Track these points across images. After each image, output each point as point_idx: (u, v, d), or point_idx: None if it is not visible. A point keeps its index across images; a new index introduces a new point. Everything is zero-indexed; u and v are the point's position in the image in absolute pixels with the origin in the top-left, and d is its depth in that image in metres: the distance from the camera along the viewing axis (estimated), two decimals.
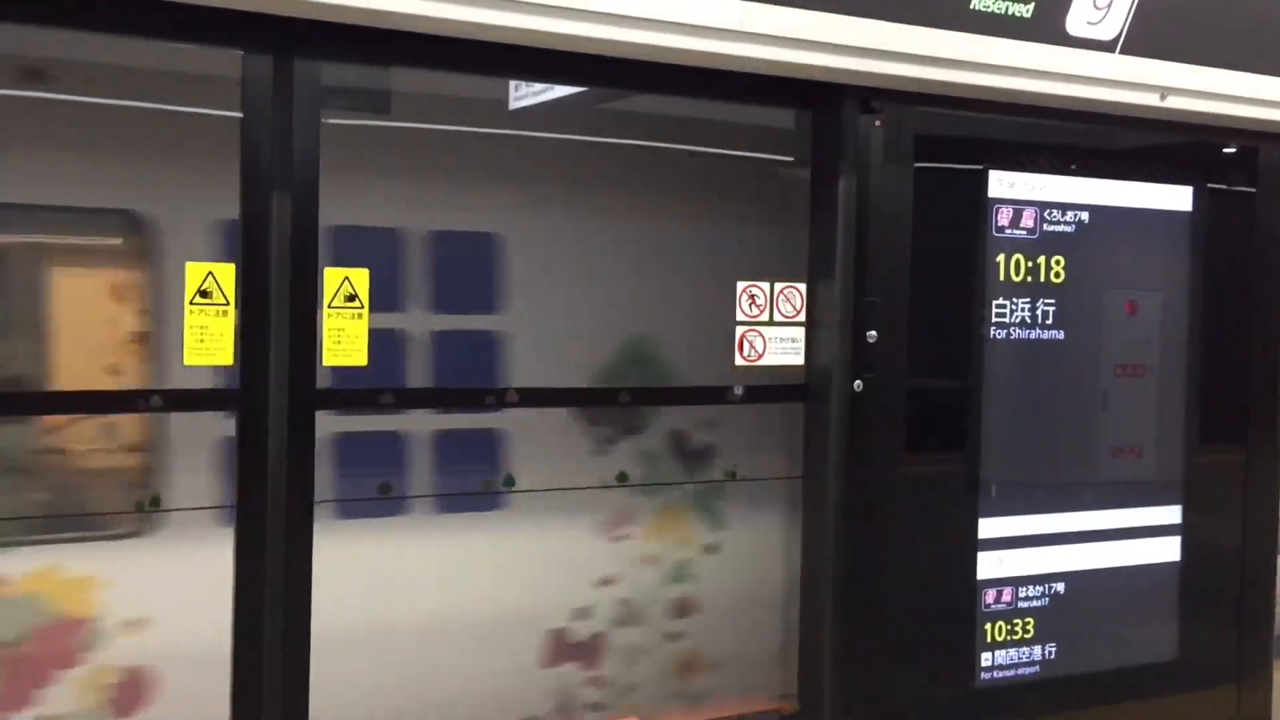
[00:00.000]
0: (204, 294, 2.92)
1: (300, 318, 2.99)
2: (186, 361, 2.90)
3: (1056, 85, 3.74)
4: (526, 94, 4.15)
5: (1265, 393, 4.51)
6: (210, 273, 2.92)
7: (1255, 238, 4.47)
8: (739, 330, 3.64)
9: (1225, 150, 4.38)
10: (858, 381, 3.65)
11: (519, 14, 3.02)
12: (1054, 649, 4.08)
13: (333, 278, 3.06)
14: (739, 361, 3.64)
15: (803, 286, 3.71)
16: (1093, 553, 4.15)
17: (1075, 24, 3.70)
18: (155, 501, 3.12)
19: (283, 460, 2.97)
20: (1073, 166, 4.09)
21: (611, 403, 3.52)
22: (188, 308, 2.89)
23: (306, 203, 2.99)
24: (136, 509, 3.13)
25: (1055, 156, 4.07)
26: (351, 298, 3.08)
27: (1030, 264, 3.99)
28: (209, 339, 2.92)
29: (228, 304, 2.93)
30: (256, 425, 2.96)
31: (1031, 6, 3.59)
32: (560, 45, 3.17)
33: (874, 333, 3.66)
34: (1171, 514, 4.32)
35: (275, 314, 2.96)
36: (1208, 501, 4.37)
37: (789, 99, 3.65)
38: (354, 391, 3.14)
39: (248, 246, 2.95)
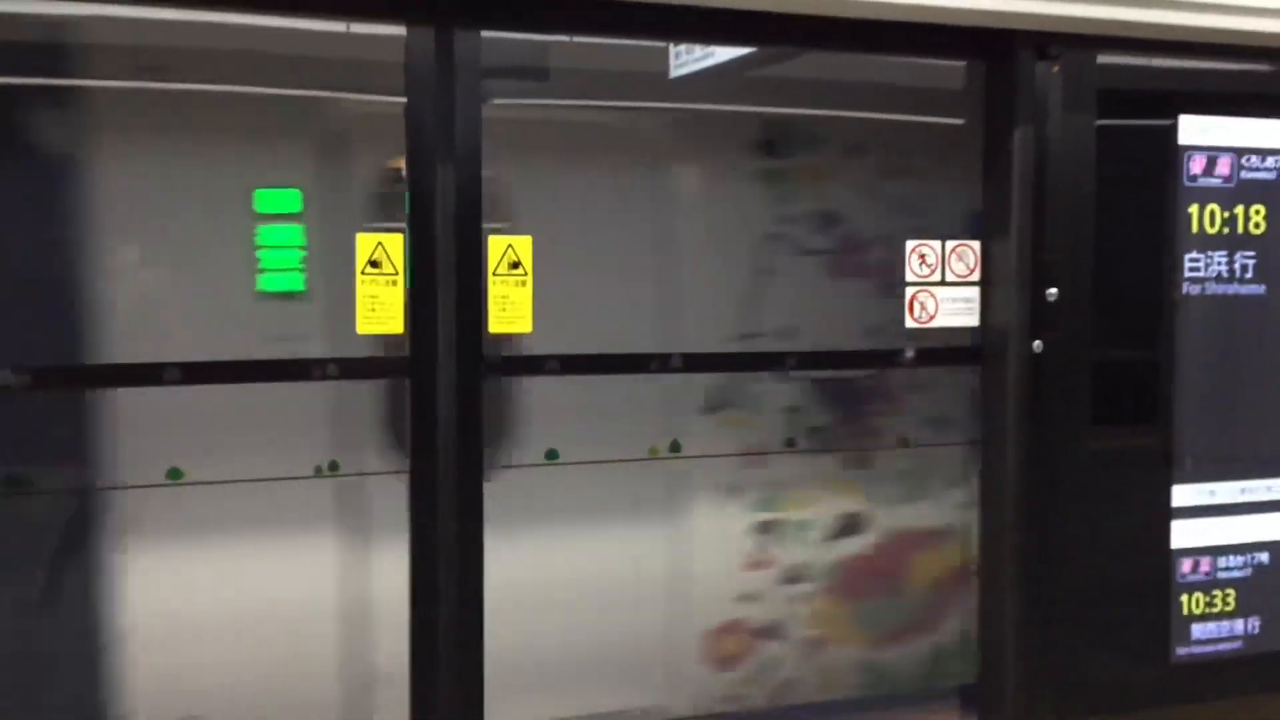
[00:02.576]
0: (374, 264, 2.99)
1: (466, 286, 3.03)
2: (359, 330, 2.98)
3: (1254, 21, 3.48)
4: (687, 60, 4.11)
5: None
6: (380, 243, 2.99)
7: None
8: (909, 291, 3.52)
9: None
10: (1037, 342, 3.49)
11: None
12: (1258, 623, 3.83)
13: (496, 245, 3.09)
14: (909, 323, 3.53)
15: (976, 244, 3.57)
16: None
17: None
18: None
19: (453, 425, 3.02)
20: (1272, 108, 3.80)
21: (780, 367, 3.46)
22: (359, 277, 2.97)
23: (470, 171, 3.03)
24: None
25: (1253, 98, 3.80)
26: (515, 265, 3.11)
27: (1227, 214, 3.74)
28: (380, 308, 2.99)
29: (396, 273, 3.00)
30: (427, 392, 3.02)
31: None
32: (724, 3, 3.11)
33: (1054, 290, 3.49)
34: None
35: (442, 282, 3.01)
36: None
37: (960, 49, 3.51)
38: (520, 358, 3.17)
39: (414, 216, 3.01)
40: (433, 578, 3.04)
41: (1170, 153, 3.68)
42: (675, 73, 4.07)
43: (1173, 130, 3.67)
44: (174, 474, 3.04)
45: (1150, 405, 3.77)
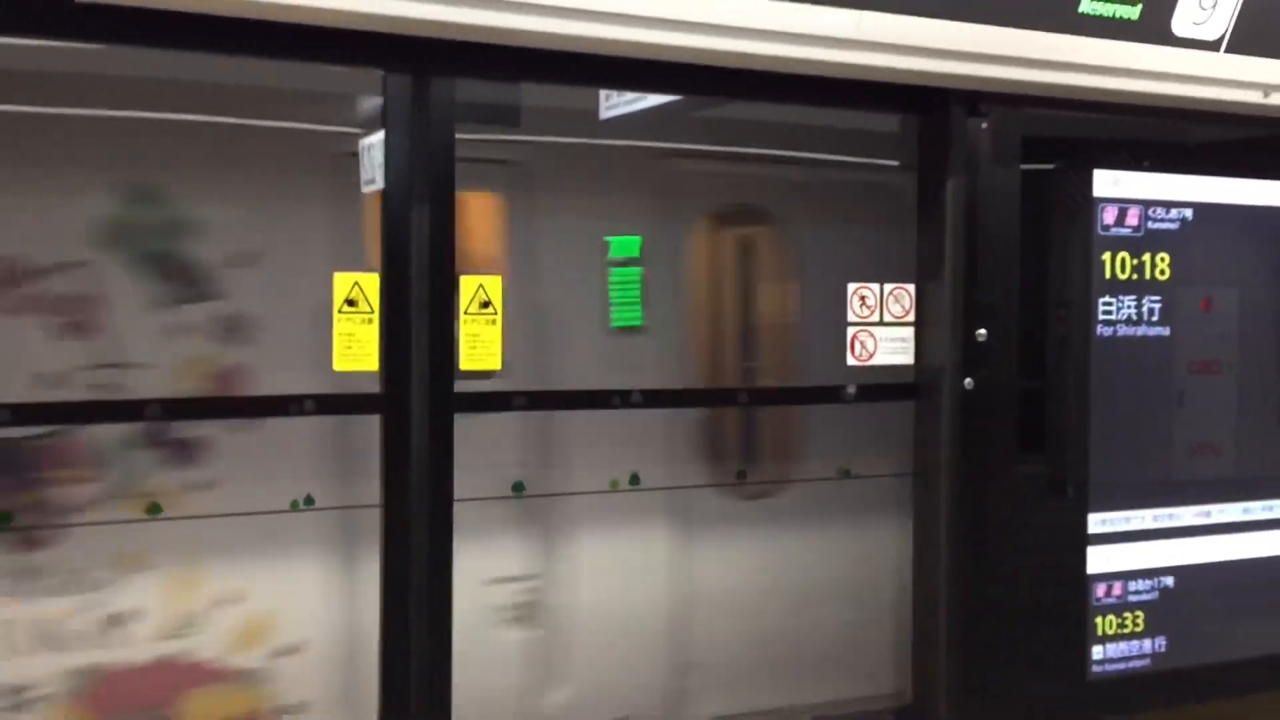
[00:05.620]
0: (350, 303, 3.06)
1: (439, 324, 3.13)
2: (335, 367, 3.05)
3: (1162, 85, 3.78)
4: (618, 103, 4.28)
5: None
6: (356, 282, 3.07)
7: None
8: (850, 331, 3.72)
9: None
10: (968, 380, 3.72)
11: (641, 29, 3.13)
12: (1164, 642, 4.12)
13: (468, 285, 3.19)
14: (851, 361, 3.73)
15: (911, 287, 3.79)
16: (1202, 547, 4.19)
17: (1181, 24, 3.74)
18: None
19: (425, 460, 3.11)
20: (1175, 164, 4.13)
21: (731, 402, 3.62)
22: (336, 316, 3.04)
23: (443, 213, 3.13)
24: None
25: (1158, 155, 4.12)
26: (485, 304, 3.21)
27: (1135, 261, 4.04)
28: (355, 345, 3.07)
29: (372, 312, 3.08)
30: (399, 427, 3.10)
31: (1139, 8, 3.64)
32: (679, 58, 3.27)
33: (983, 331, 3.73)
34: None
35: (415, 321, 3.10)
36: None
37: (897, 104, 3.74)
38: (490, 395, 3.27)
39: (389, 257, 3.10)
40: (404, 607, 3.11)
41: (1085, 203, 3.97)
42: (605, 114, 4.23)
43: (1088, 183, 3.97)
44: None
45: (1067, 438, 4.03)
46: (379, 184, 3.20)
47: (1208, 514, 4.20)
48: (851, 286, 3.72)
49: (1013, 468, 3.79)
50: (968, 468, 3.73)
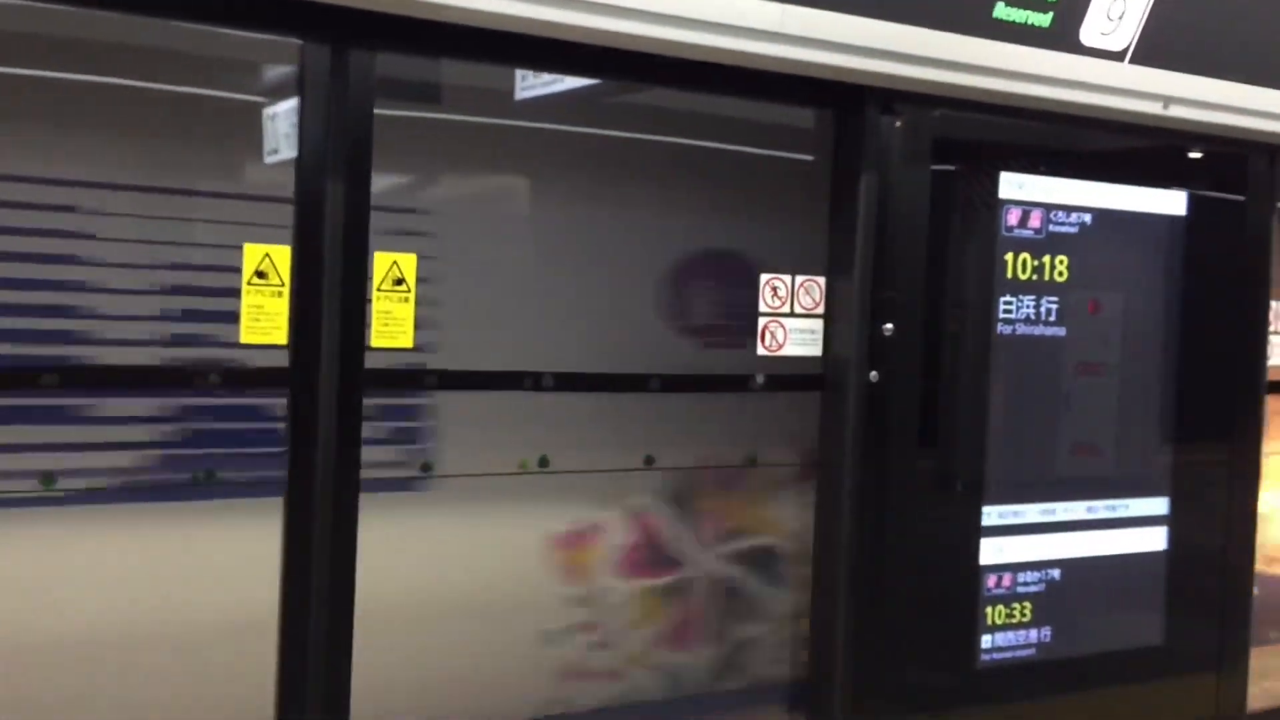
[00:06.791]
0: (260, 275, 3.00)
1: (351, 300, 3.08)
2: (243, 340, 2.99)
3: (1069, 92, 3.89)
4: (535, 85, 4.25)
5: (1246, 393, 4.71)
6: (267, 254, 3.00)
7: (1243, 242, 4.67)
8: (761, 321, 3.76)
9: (1216, 157, 4.56)
10: (873, 373, 3.79)
11: (564, 10, 3.12)
12: (1049, 632, 4.25)
13: (382, 262, 3.14)
14: (760, 351, 3.77)
15: (822, 280, 3.84)
16: (1085, 541, 4.33)
17: (1089, 34, 3.85)
18: None
19: (332, 437, 3.06)
20: (1077, 170, 4.25)
21: (642, 388, 3.63)
22: (245, 288, 2.98)
23: (358, 188, 3.08)
24: None
25: (1061, 160, 4.24)
26: (399, 281, 3.17)
27: (1036, 263, 4.16)
28: (264, 318, 3.00)
29: (283, 285, 3.01)
30: (307, 403, 3.05)
31: (1050, 16, 3.73)
32: (599, 41, 3.26)
33: (890, 326, 3.80)
34: (1159, 505, 4.51)
35: (327, 296, 3.05)
36: (1194, 496, 4.57)
37: (813, 99, 3.78)
38: (400, 372, 3.22)
39: (302, 230, 3.04)
40: (306, 590, 3.06)
41: (991, 205, 4.07)
42: (521, 95, 4.19)
43: (994, 185, 4.06)
44: None
45: (964, 433, 4.13)
46: (284, 154, 3.13)
47: (1092, 510, 4.35)
48: (764, 277, 3.76)
49: (913, 461, 3.87)
50: (870, 460, 3.80)
